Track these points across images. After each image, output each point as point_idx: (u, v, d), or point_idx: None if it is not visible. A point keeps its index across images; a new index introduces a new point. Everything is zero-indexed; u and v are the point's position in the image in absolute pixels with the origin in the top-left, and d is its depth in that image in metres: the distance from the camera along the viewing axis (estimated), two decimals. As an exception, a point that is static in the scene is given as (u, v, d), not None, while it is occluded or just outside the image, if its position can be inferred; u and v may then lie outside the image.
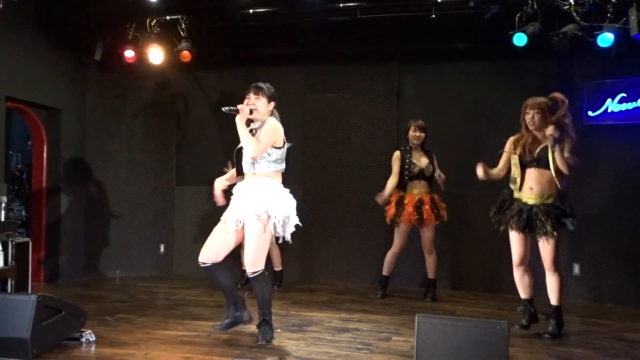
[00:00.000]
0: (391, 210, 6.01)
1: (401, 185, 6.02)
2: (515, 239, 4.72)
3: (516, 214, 4.64)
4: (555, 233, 4.51)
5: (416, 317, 3.51)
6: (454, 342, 3.41)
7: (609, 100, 6.18)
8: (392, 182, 5.99)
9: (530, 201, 4.60)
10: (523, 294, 4.81)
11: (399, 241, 6.10)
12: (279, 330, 4.63)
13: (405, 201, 5.95)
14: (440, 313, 5.30)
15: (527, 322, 4.78)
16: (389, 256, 6.16)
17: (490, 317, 5.34)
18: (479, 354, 3.36)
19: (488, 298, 6.37)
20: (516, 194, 4.70)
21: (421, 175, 5.99)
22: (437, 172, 5.98)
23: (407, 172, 5.97)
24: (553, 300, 4.65)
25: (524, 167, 4.66)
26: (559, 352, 4.27)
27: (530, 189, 4.60)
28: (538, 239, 4.60)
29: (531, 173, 4.62)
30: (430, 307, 5.75)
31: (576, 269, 6.42)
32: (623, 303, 6.11)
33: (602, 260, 6.30)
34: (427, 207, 5.93)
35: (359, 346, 4.29)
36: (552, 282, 4.63)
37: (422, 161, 6.03)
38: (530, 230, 4.62)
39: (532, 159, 4.60)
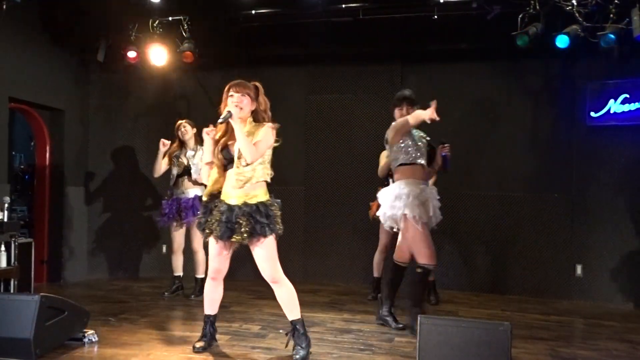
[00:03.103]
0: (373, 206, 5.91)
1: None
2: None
3: None
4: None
5: (419, 317, 3.51)
6: (456, 343, 3.41)
7: (612, 101, 6.17)
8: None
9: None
10: None
11: (381, 240, 6.04)
12: (281, 331, 4.64)
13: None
14: (442, 314, 5.29)
15: None
16: (376, 257, 6.13)
17: (493, 318, 5.33)
18: (482, 354, 3.36)
19: (490, 299, 6.36)
20: None
21: None
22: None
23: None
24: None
25: None
26: (561, 353, 4.26)
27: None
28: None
29: None
30: (432, 308, 5.73)
31: (579, 270, 6.41)
32: (626, 304, 6.11)
33: (605, 261, 6.29)
34: None
35: (362, 347, 4.29)
36: None
37: None
38: None
39: None
